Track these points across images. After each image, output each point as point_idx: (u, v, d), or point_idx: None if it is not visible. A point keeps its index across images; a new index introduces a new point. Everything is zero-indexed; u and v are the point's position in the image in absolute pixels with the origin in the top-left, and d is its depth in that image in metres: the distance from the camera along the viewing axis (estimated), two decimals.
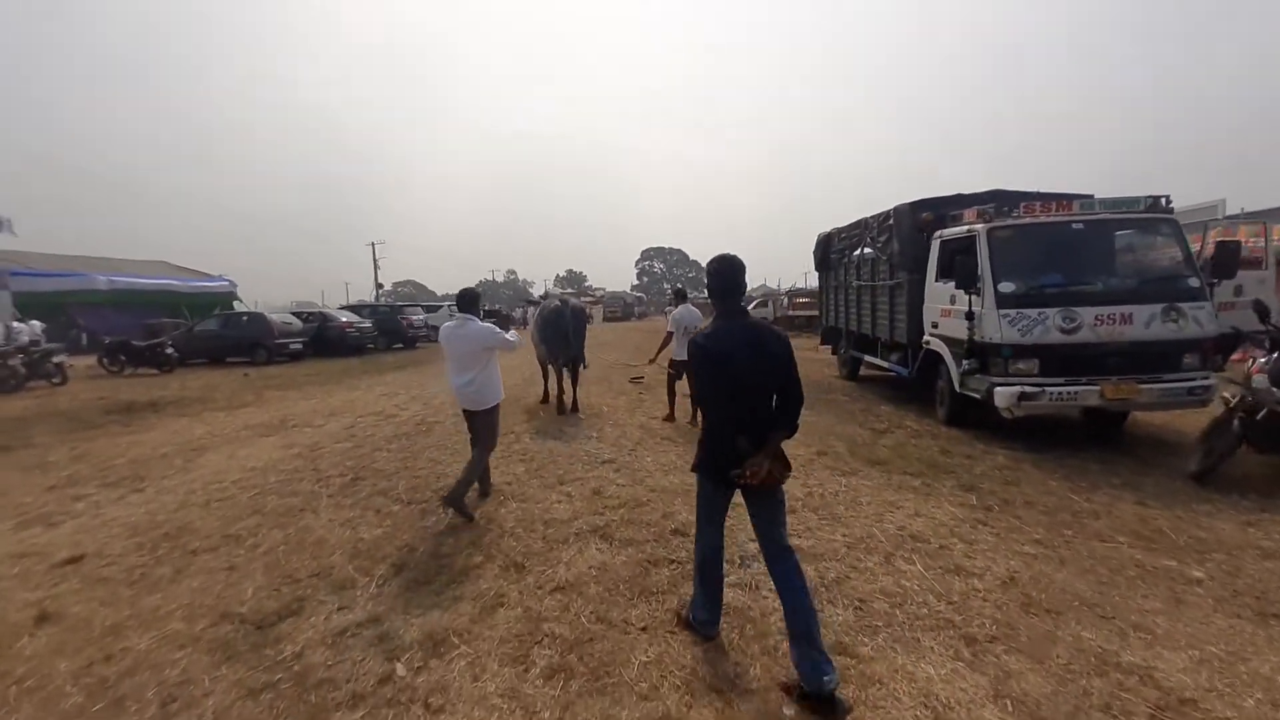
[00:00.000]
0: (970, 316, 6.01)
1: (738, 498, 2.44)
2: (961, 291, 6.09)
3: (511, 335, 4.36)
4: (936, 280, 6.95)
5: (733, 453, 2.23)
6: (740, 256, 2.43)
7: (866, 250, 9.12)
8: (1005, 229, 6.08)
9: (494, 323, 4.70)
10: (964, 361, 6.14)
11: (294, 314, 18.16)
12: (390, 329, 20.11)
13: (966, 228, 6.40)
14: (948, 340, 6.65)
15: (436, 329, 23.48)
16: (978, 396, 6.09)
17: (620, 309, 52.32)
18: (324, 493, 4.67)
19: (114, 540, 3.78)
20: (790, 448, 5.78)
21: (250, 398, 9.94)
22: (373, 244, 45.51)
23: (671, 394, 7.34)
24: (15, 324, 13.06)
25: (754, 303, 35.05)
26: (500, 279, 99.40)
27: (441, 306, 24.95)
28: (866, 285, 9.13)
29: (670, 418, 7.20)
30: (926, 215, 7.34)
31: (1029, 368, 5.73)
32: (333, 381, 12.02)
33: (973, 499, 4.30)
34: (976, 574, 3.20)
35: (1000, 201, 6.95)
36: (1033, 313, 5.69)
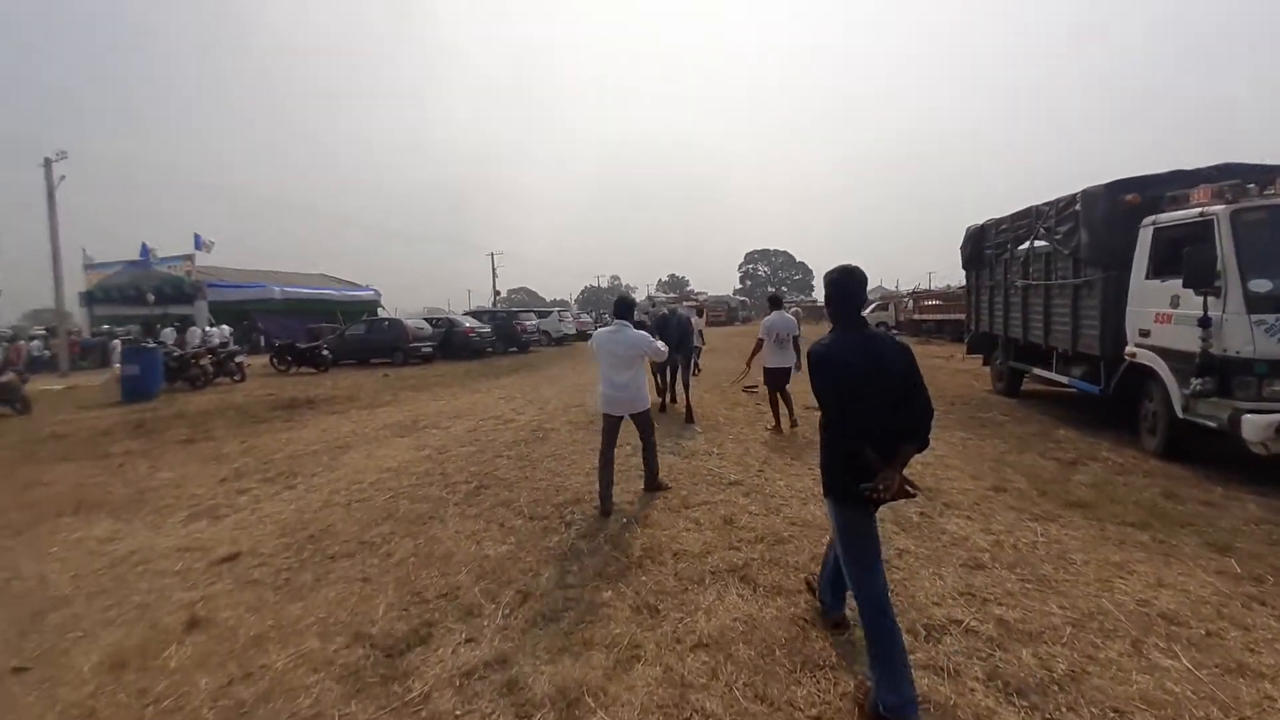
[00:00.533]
0: (1205, 323, 4.72)
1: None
2: (1190, 291, 4.82)
3: (660, 344, 4.51)
4: (1148, 278, 5.61)
5: (859, 466, 2.10)
6: (860, 267, 2.35)
7: (1038, 243, 7.73)
8: (1258, 210, 4.70)
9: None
10: (1193, 380, 4.83)
11: (425, 320, 19.65)
12: (506, 333, 21.12)
13: (1199, 210, 5.06)
14: (1165, 352, 5.32)
15: (547, 333, 24.57)
16: (1212, 425, 4.77)
17: (724, 313, 51.27)
18: (451, 500, 4.65)
19: (267, 538, 3.96)
20: (958, 481, 4.76)
21: (389, 397, 10.70)
22: (492, 254, 48.80)
23: (774, 404, 6.88)
24: (209, 328, 15.40)
25: (873, 305, 32.57)
26: (605, 284, 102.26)
27: (552, 312, 25.87)
28: (1038, 285, 7.74)
29: (778, 429, 6.79)
30: (1132, 197, 5.97)
31: None
32: (457, 384, 12.67)
33: (1233, 564, 3.23)
34: (1268, 675, 2.30)
35: (1232, 177, 5.50)
36: None
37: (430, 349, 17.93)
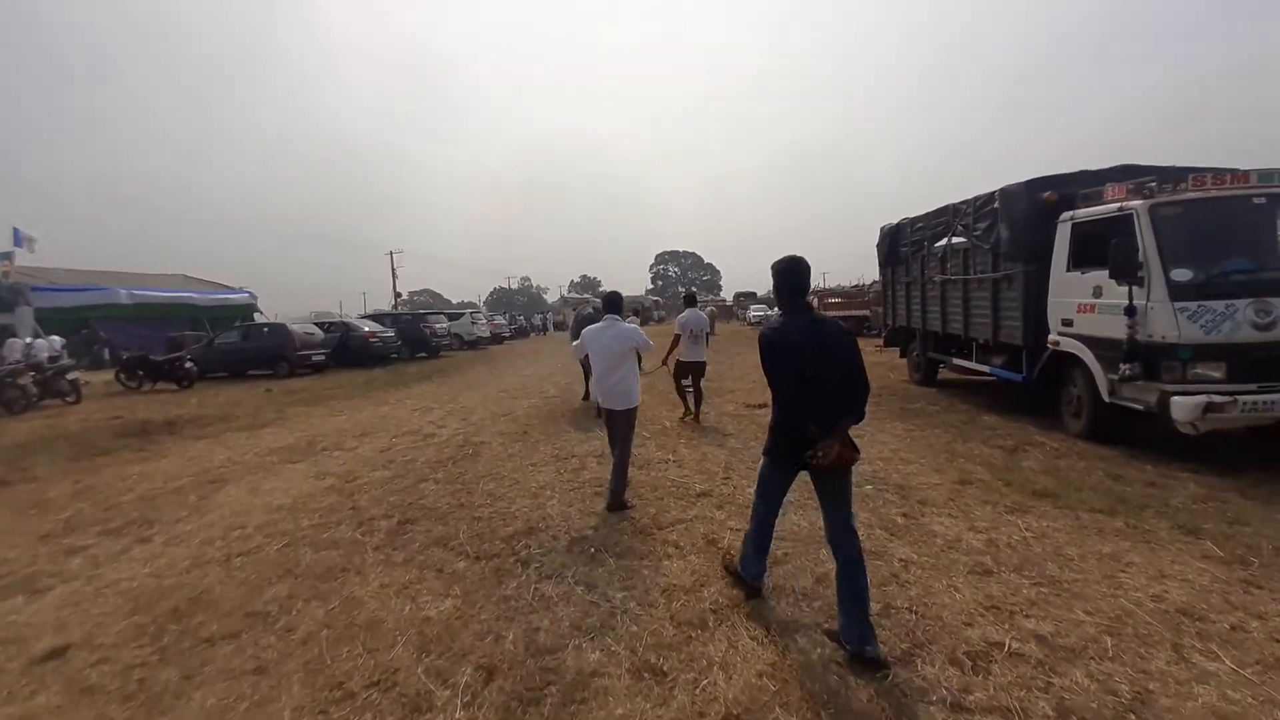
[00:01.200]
0: (1130, 311, 4.98)
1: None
2: (1114, 282, 5.07)
3: (648, 339, 4.49)
4: (1069, 270, 5.91)
5: (802, 438, 2.38)
6: (804, 257, 2.59)
7: (956, 240, 8.08)
8: (1173, 205, 5.03)
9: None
10: (1121, 366, 5.09)
11: (315, 324, 17.50)
12: (414, 338, 19.40)
13: (1118, 205, 5.35)
14: (1089, 340, 5.60)
15: (459, 336, 22.98)
16: (1139, 408, 5.05)
17: (639, 312, 51.45)
18: (369, 543, 3.77)
19: (110, 619, 2.91)
20: (923, 475, 4.79)
21: (273, 415, 9.16)
22: (391, 253, 45.13)
23: (681, 393, 7.49)
24: (35, 340, 12.52)
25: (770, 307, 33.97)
26: (514, 285, 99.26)
27: (463, 313, 24.24)
28: (957, 280, 8.07)
29: (688, 416, 7.31)
30: (1049, 195, 6.29)
31: (1213, 372, 4.69)
32: (359, 395, 11.22)
33: (1213, 548, 3.26)
34: None
35: (1133, 176, 5.96)
36: (1219, 305, 4.64)
37: (322, 357, 15.93)
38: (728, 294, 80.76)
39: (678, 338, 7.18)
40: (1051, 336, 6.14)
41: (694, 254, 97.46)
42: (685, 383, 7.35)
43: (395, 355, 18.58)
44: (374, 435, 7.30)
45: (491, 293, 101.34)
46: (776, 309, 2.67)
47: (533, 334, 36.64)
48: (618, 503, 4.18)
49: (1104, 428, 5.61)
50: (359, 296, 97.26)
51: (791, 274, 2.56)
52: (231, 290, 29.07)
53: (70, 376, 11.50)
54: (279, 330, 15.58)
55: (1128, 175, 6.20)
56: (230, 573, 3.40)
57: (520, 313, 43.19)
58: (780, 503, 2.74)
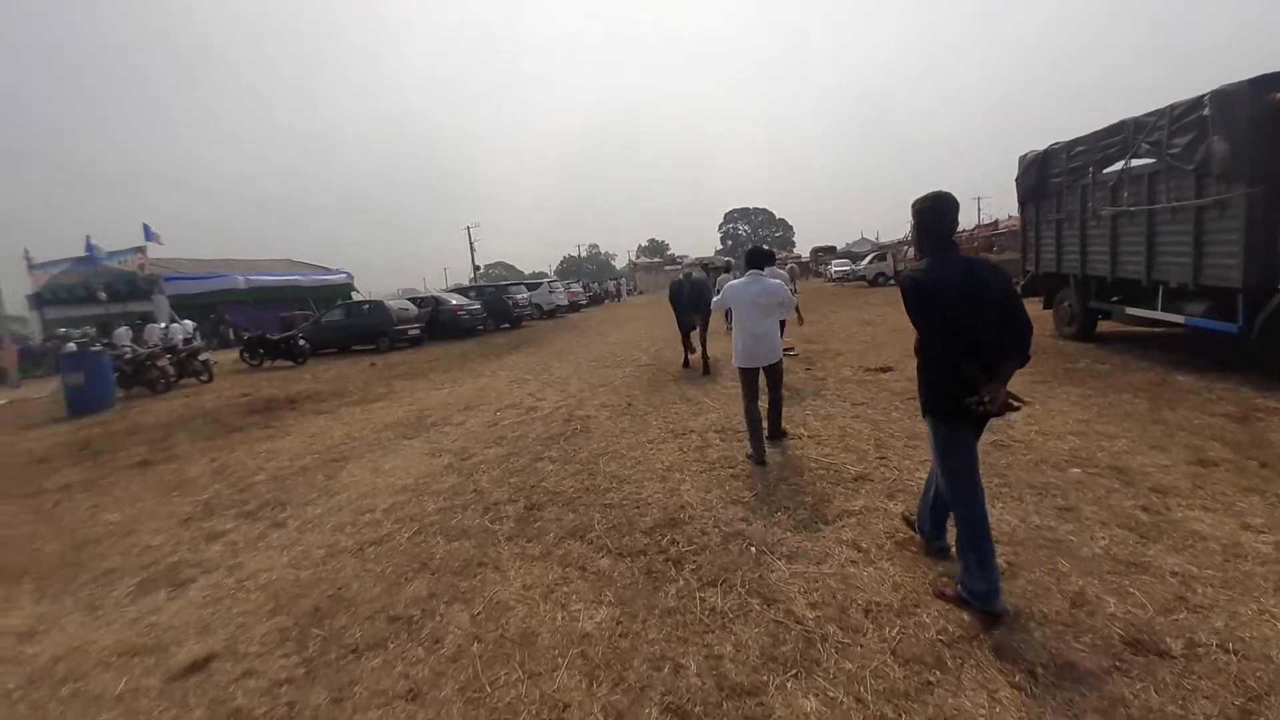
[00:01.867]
0: None
1: None
2: None
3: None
4: None
5: (962, 382, 2.21)
6: (949, 192, 2.37)
7: (1139, 162, 6.62)
8: None
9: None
10: None
11: (409, 300, 18.08)
12: (498, 309, 19.66)
13: None
14: None
15: (539, 306, 23.11)
16: None
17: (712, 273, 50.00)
18: (499, 531, 3.48)
19: (252, 620, 2.77)
20: (1142, 455, 3.89)
21: (382, 389, 9.38)
22: (468, 228, 46.29)
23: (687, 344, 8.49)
24: (172, 324, 13.71)
25: (870, 256, 31.58)
26: (583, 254, 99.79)
27: (541, 283, 24.31)
28: (1137, 211, 6.65)
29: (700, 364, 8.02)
30: None
31: None
32: (455, 367, 11.35)
33: None
34: None
35: None
36: None
37: (417, 331, 16.45)
38: (802, 249, 76.95)
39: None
40: None
41: (765, 210, 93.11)
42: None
43: (481, 327, 18.92)
44: (478, 409, 7.18)
45: (561, 261, 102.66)
46: (914, 251, 2.42)
47: (607, 301, 36.51)
48: (778, 430, 4.63)
49: None
50: (440, 271, 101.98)
51: (937, 212, 2.37)
52: (331, 271, 30.95)
53: (202, 357, 12.46)
54: (378, 307, 16.18)
55: None
56: (365, 565, 3.21)
57: (593, 280, 43.05)
58: (978, 474, 2.38)
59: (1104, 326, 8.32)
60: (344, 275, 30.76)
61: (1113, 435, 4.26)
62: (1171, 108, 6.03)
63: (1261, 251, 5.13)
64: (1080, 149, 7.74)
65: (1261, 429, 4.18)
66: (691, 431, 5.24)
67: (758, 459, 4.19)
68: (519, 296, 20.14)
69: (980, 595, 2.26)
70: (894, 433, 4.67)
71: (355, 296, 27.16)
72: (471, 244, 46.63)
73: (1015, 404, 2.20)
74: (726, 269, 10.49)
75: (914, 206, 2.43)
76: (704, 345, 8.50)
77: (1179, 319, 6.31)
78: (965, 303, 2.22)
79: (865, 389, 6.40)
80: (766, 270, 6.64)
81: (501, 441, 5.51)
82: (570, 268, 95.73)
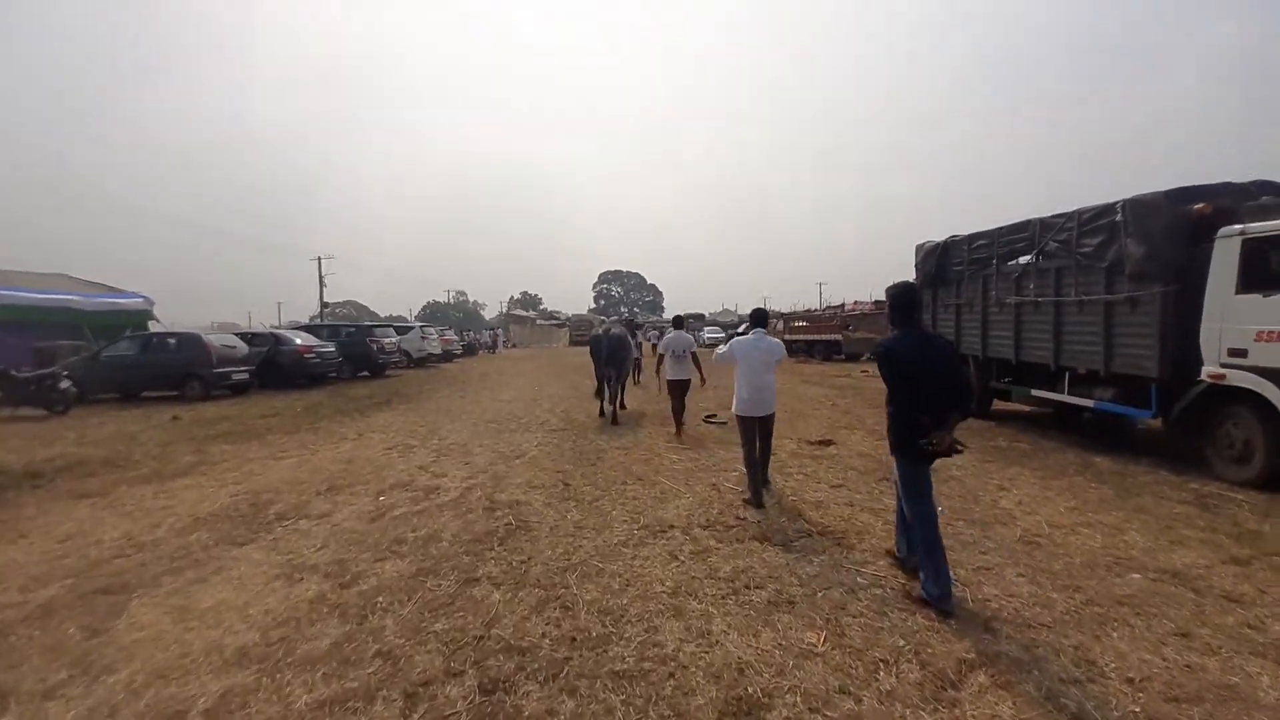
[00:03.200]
0: None
1: None
2: None
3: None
4: (1239, 293, 5.03)
5: (919, 429, 2.81)
6: (913, 283, 3.60)
7: (1046, 259, 7.21)
8: None
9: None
10: None
11: (237, 334, 14.60)
12: (357, 354, 16.76)
13: None
14: (1275, 374, 4.71)
15: (408, 354, 20.35)
16: None
17: (587, 332, 49.73)
18: None
19: None
20: (1162, 551, 3.71)
21: (190, 457, 6.78)
22: (319, 259, 40.74)
23: (675, 411, 7.55)
24: None
25: (743, 325, 33.55)
26: (449, 299, 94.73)
27: (413, 327, 21.61)
28: (1043, 303, 7.19)
29: (679, 434, 7.40)
30: (1202, 207, 5.46)
31: None
32: (304, 426, 8.88)
33: None
34: None
35: (1264, 193, 5.35)
36: None
37: (245, 376, 13.15)
38: (670, 314, 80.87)
39: (662, 357, 7.67)
40: (1210, 369, 5.23)
41: (637, 274, 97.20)
42: (676, 400, 7.55)
43: (334, 374, 15.92)
44: (349, 490, 5.27)
45: (424, 306, 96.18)
46: (890, 325, 3.07)
47: (481, 351, 33.95)
48: (766, 478, 4.78)
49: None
50: (272, 306, 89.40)
51: (905, 295, 3.04)
52: (123, 294, 24.61)
53: None
54: (192, 342, 12.63)
55: (1265, 190, 5.54)
56: None
57: (461, 328, 39.95)
58: (931, 497, 3.00)
59: (1000, 406, 8.94)
60: (140, 299, 24.57)
61: (1121, 528, 4.00)
62: (1080, 211, 6.64)
63: (1175, 345, 5.59)
64: (982, 242, 8.42)
65: (1235, 516, 4.23)
66: (672, 528, 4.08)
67: (756, 503, 4.45)
68: (386, 341, 17.43)
69: (936, 598, 2.83)
70: (860, 494, 3.99)
71: (154, 328, 21.66)
72: (321, 277, 41.11)
73: (959, 448, 2.85)
74: (639, 326, 11.60)
75: (888, 291, 3.11)
76: (619, 396, 8.84)
77: (1088, 403, 6.76)
78: (921, 366, 2.85)
79: (817, 463, 5.85)
80: (675, 333, 7.75)
81: (400, 549, 3.82)
82: (434, 313, 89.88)
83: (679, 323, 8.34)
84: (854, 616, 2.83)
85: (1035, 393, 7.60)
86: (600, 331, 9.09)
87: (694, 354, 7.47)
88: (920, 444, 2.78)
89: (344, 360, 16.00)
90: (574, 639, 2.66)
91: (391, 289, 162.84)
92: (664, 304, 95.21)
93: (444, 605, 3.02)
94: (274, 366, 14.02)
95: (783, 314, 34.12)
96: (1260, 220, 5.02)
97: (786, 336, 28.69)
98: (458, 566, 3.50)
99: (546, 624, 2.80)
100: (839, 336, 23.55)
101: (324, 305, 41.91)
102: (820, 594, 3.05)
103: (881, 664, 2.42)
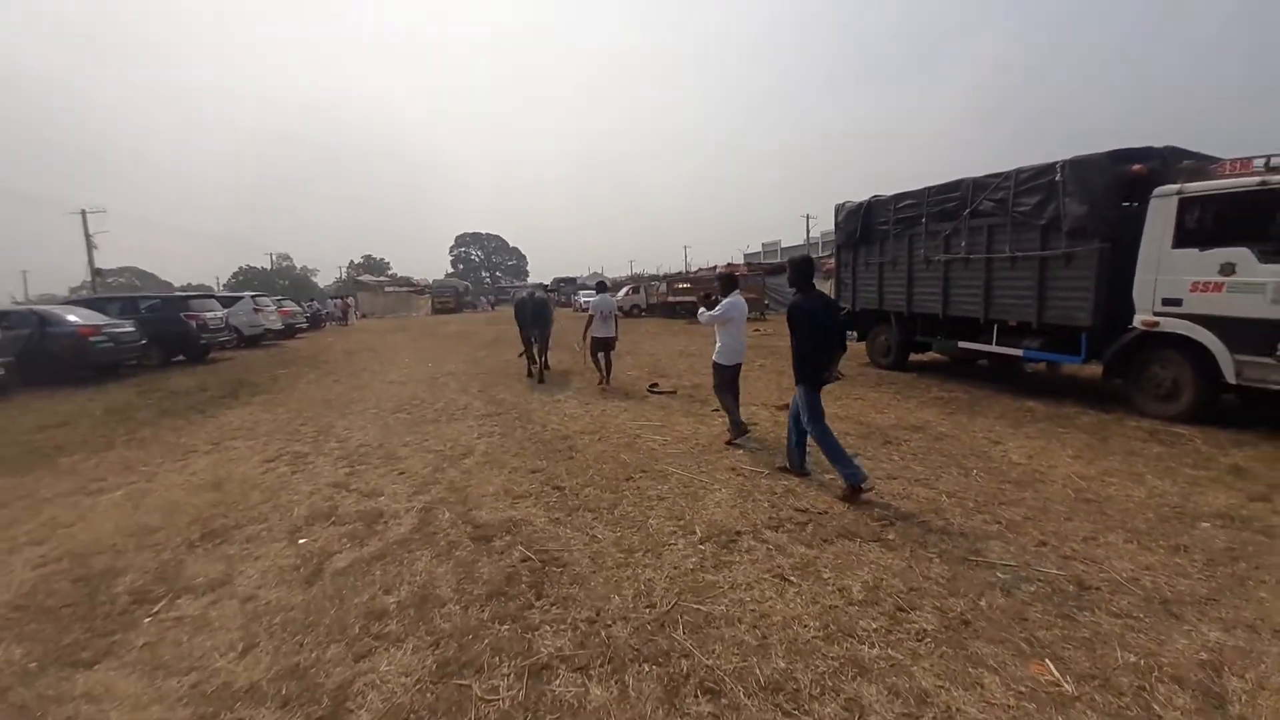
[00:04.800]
0: None
1: None
2: (1252, 258, 4.80)
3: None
4: (1175, 247, 5.51)
5: (820, 367, 3.90)
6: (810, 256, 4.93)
7: (977, 217, 7.48)
8: None
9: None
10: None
11: None
12: (168, 333, 12.99)
13: (1259, 180, 4.99)
14: (1208, 320, 5.27)
15: (238, 331, 16.46)
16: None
17: (453, 299, 45.70)
18: None
19: None
20: (1214, 501, 3.85)
21: None
22: (84, 212, 31.16)
23: (597, 363, 8.38)
24: None
25: (624, 290, 33.01)
26: (272, 264, 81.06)
27: (242, 297, 17.50)
28: (974, 259, 7.52)
29: (602, 382, 8.30)
30: (1139, 167, 5.87)
31: None
32: (119, 439, 6.39)
33: None
34: None
35: (1179, 158, 6.02)
36: None
37: (1, 371, 9.39)
38: (536, 277, 78.16)
39: (591, 318, 8.27)
40: (1145, 317, 5.75)
41: (498, 237, 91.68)
42: (600, 355, 8.34)
43: (135, 362, 12.22)
44: (239, 534, 3.65)
45: (236, 273, 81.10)
46: (793, 288, 4.03)
47: (329, 324, 29.09)
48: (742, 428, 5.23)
49: (1206, 410, 5.41)
50: (13, 275, 69.49)
51: (806, 265, 4.03)
52: None
53: None
54: None
55: (1177, 156, 6.15)
56: None
57: (310, 298, 33.87)
58: (823, 413, 3.98)
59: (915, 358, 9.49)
60: None
61: (1140, 475, 4.14)
62: (1017, 171, 6.92)
63: (1106, 295, 6.08)
64: (909, 201, 8.61)
65: (1196, 449, 4.67)
66: (739, 534, 3.32)
67: (739, 431, 5.18)
68: (209, 315, 13.72)
69: (852, 477, 3.71)
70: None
71: None
72: (89, 237, 31.73)
73: (840, 376, 4.06)
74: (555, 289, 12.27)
75: (791, 261, 4.05)
76: (544, 355, 9.57)
77: (1016, 352, 7.25)
78: (819, 319, 3.89)
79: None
80: (600, 296, 8.57)
81: (384, 629, 2.56)
82: (251, 280, 76.20)
83: (602, 287, 9.25)
84: (1047, 628, 2.35)
85: (963, 344, 8.07)
86: (525, 295, 9.63)
87: (615, 316, 8.52)
88: (824, 377, 3.91)
89: (149, 342, 12.29)
90: None
91: (187, 252, 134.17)
92: (528, 268, 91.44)
93: None
94: (43, 357, 10.22)
95: (664, 276, 34.28)
96: (1192, 181, 5.50)
97: (670, 298, 28.90)
98: (499, 648, 2.38)
99: None
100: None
101: (96, 273, 32.68)
102: (984, 601, 2.54)
103: (1143, 690, 1.95)
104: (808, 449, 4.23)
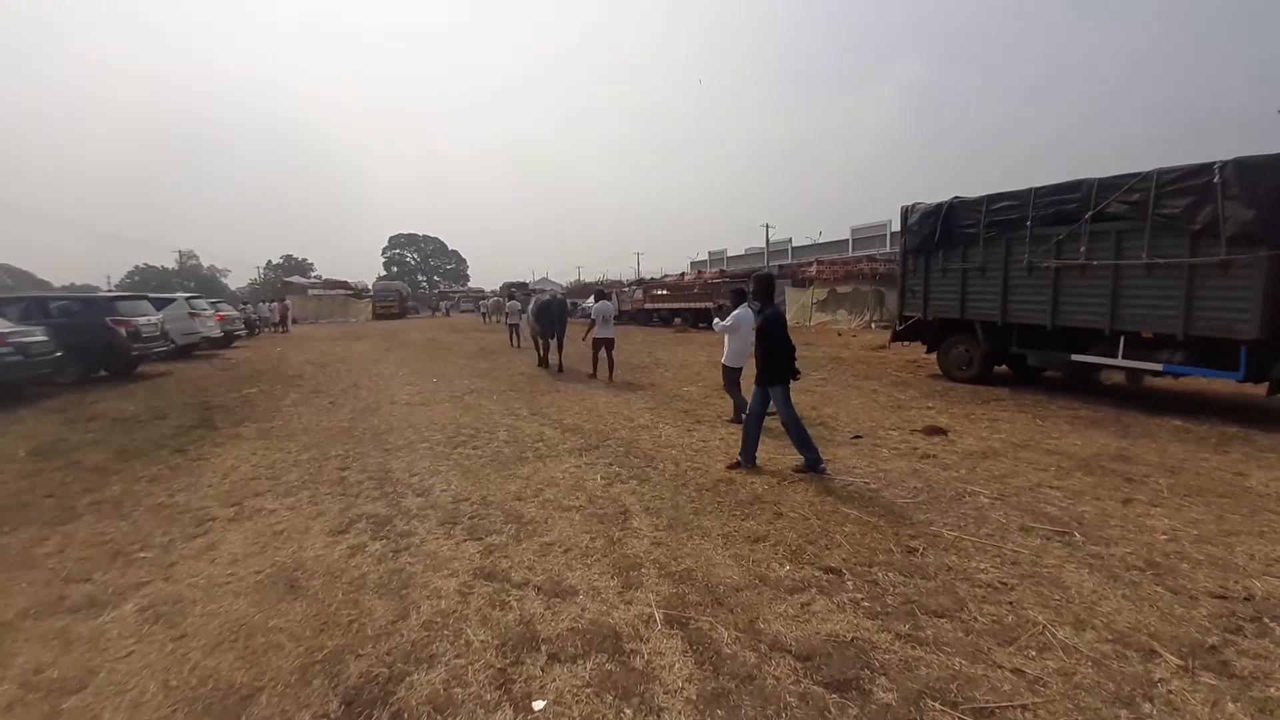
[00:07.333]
0: None
1: None
2: None
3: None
4: None
5: (785, 366, 4.61)
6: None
7: (1103, 221, 6.91)
8: None
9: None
10: None
11: None
12: (89, 342, 10.39)
13: None
14: None
15: (172, 340, 13.70)
16: None
17: (396, 303, 42.31)
18: None
19: None
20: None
21: None
22: None
23: (596, 360, 9.73)
24: None
25: (592, 296, 31.46)
26: (178, 263, 72.92)
27: (176, 299, 14.67)
28: (1100, 265, 6.96)
29: (609, 377, 9.51)
30: None
31: None
32: (80, 503, 4.49)
33: None
34: None
35: None
36: None
37: None
38: (477, 283, 74.97)
39: (594, 322, 9.50)
40: None
41: (437, 239, 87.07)
42: (600, 352, 9.59)
43: (51, 377, 9.63)
44: (411, 707, 2.20)
45: (131, 272, 72.27)
46: (758, 303, 4.94)
47: (266, 330, 25.63)
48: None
49: None
50: None
51: (769, 281, 5.02)
52: None
53: None
54: None
55: None
56: None
57: (244, 302, 29.38)
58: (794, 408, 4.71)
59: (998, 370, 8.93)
60: None
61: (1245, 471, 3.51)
62: (1158, 172, 6.40)
63: (1274, 305, 5.62)
64: (1008, 203, 8.01)
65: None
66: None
67: (740, 419, 5.82)
68: (141, 321, 11.12)
69: (812, 463, 4.58)
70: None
71: None
72: None
73: (799, 373, 4.78)
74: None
75: (756, 278, 5.06)
76: (560, 351, 10.98)
77: (1154, 366, 6.75)
78: (785, 329, 4.64)
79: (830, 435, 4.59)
80: (600, 301, 9.72)
81: None
82: (149, 279, 68.14)
83: (601, 295, 10.14)
84: None
85: (1076, 358, 7.52)
86: (547, 299, 11.28)
87: (613, 317, 9.84)
88: (793, 374, 4.66)
89: (66, 355, 9.71)
90: None
91: (69, 245, 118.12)
92: (468, 271, 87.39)
93: None
94: None
95: (641, 282, 33.11)
96: None
97: (647, 305, 27.73)
98: None
99: None
100: (708, 305, 23.24)
101: None
102: None
103: None
104: (756, 450, 4.84)
